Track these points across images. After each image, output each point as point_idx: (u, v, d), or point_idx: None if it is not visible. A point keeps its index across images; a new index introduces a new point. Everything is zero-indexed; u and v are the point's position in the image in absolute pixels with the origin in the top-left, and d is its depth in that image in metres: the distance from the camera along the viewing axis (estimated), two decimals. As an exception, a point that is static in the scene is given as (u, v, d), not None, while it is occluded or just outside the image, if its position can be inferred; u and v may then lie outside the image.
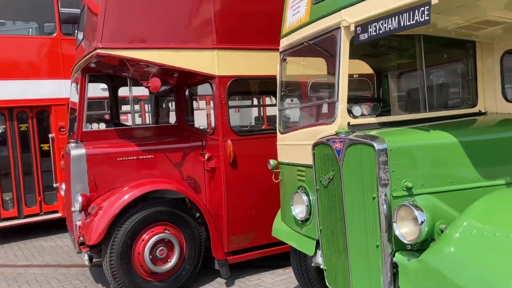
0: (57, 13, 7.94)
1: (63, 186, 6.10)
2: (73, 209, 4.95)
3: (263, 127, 8.85)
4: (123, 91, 7.16)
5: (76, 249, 5.01)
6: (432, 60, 4.01)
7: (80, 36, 5.62)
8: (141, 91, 7.90)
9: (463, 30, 3.42)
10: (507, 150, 2.99)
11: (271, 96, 8.91)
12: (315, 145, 3.39)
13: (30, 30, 8.75)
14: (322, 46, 3.55)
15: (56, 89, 7.98)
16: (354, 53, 3.44)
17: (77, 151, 5.01)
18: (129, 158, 5.18)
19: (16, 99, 7.67)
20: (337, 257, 3.25)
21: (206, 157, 5.12)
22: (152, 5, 4.81)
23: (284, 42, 4.10)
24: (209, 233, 4.96)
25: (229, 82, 5.01)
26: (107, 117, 8.73)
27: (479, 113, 3.71)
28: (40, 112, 7.97)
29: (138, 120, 9.58)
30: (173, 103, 7.87)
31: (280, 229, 4.15)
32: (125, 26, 4.70)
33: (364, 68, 4.97)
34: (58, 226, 8.25)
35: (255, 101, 9.17)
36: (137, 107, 9.25)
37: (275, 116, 4.61)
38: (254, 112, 10.48)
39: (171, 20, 4.90)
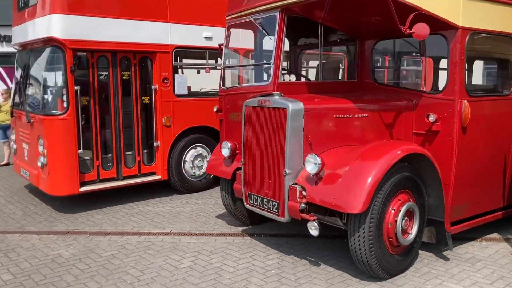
0: None
1: (229, 145, 5.29)
2: (288, 171, 4.24)
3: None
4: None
5: (284, 217, 4.33)
6: None
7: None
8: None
9: None
10: None
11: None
12: None
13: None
14: None
15: (161, 34, 6.93)
16: None
17: (294, 105, 4.26)
18: (345, 116, 4.52)
19: (121, 42, 6.57)
20: None
21: (432, 119, 4.53)
22: None
23: None
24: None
25: (468, 35, 4.42)
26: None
27: None
28: (142, 59, 6.91)
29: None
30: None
31: None
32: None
33: None
34: (151, 189, 7.46)
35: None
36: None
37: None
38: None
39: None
